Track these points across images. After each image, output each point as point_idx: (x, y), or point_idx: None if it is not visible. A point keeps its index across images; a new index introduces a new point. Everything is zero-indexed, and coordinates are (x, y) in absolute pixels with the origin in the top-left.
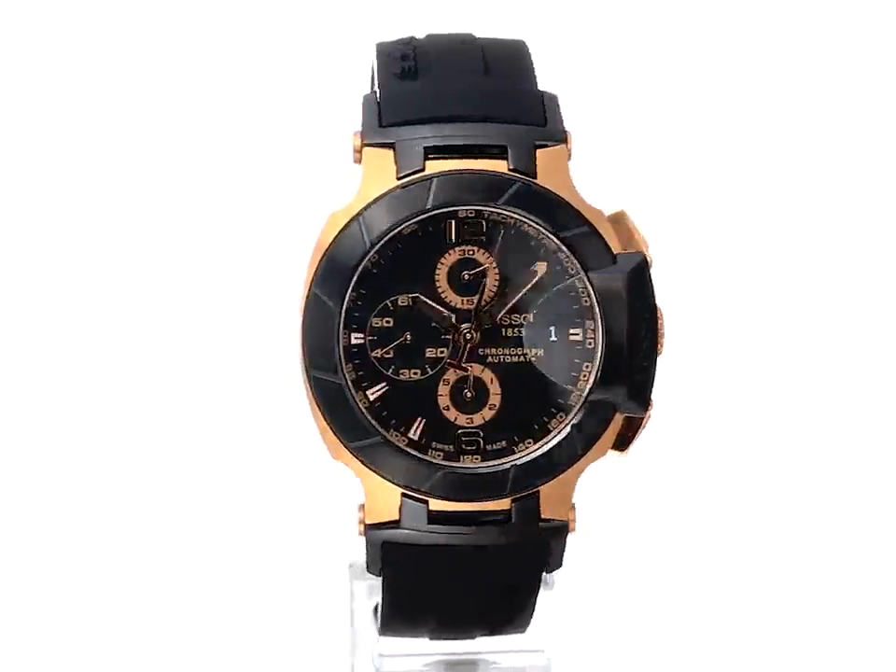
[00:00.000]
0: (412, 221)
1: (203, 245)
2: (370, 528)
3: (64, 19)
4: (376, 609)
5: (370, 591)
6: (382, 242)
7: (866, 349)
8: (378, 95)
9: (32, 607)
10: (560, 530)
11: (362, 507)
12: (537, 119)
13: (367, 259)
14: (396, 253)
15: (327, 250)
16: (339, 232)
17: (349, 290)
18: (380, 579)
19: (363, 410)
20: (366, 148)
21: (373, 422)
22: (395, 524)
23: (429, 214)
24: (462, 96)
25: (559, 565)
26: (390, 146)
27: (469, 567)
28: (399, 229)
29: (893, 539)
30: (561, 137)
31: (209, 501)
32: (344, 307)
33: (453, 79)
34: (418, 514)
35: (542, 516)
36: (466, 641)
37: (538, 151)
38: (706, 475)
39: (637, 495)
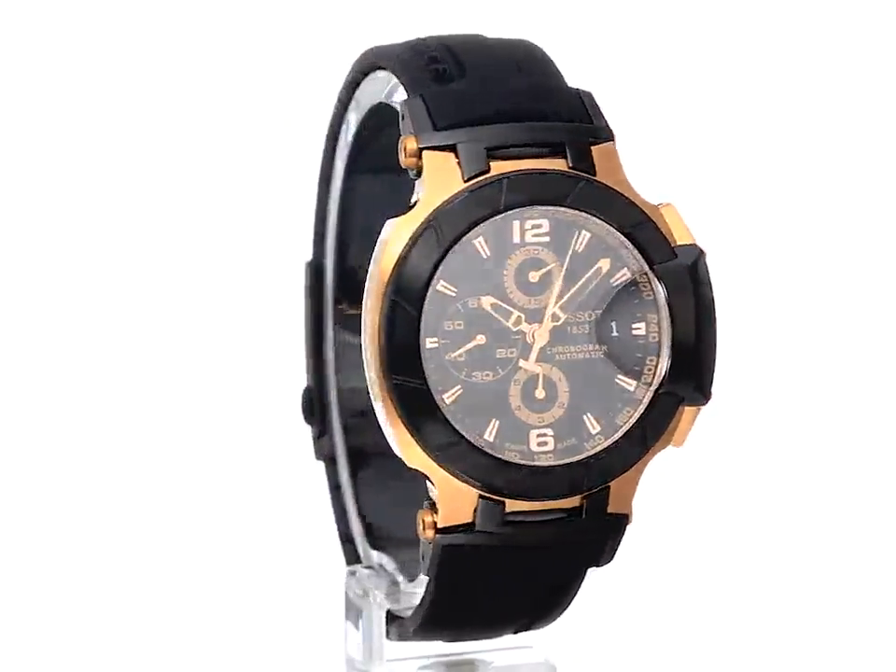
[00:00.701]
0: (485, 223)
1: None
2: (440, 532)
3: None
4: (388, 615)
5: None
6: (457, 244)
7: None
8: (424, 98)
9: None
10: (623, 524)
11: (430, 511)
12: (582, 117)
13: (443, 262)
14: (469, 256)
15: (402, 256)
16: (412, 238)
17: (427, 295)
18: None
19: (444, 413)
20: (425, 152)
21: (455, 425)
22: (468, 526)
23: (501, 215)
24: (511, 96)
25: (611, 559)
26: (451, 148)
27: (531, 565)
28: (473, 231)
29: None
30: (610, 134)
31: (209, 505)
32: (424, 312)
33: (494, 79)
34: (494, 515)
35: (608, 511)
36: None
37: (591, 148)
38: (706, 475)
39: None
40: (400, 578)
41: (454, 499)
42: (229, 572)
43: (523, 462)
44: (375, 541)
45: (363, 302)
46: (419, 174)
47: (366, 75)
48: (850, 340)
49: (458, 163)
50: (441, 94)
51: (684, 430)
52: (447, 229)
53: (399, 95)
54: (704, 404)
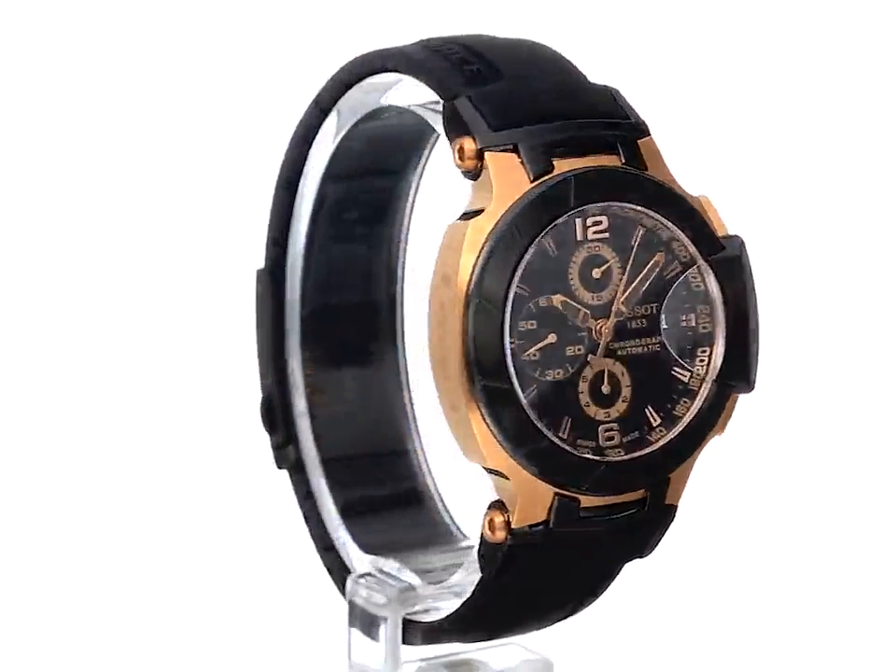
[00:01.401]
0: (557, 222)
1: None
2: (514, 532)
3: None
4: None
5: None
6: (533, 244)
7: None
8: (472, 100)
9: None
10: (674, 515)
11: (499, 511)
12: (619, 113)
13: (522, 262)
14: (540, 255)
15: (484, 259)
16: (490, 240)
17: (508, 296)
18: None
19: (527, 413)
20: (487, 153)
21: (538, 424)
22: (543, 524)
23: (569, 213)
24: (553, 94)
25: (654, 549)
26: (513, 148)
27: (590, 558)
28: (547, 230)
29: None
30: (647, 129)
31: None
32: (505, 314)
33: (530, 79)
34: (570, 513)
35: (665, 502)
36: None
37: (638, 143)
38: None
39: None
40: (418, 581)
41: (531, 499)
42: (211, 584)
43: (596, 458)
44: (370, 547)
45: (433, 312)
46: (476, 175)
47: (359, 80)
48: (851, 337)
49: (522, 163)
50: (490, 95)
51: (727, 418)
52: (523, 229)
53: (419, 98)
54: (749, 392)
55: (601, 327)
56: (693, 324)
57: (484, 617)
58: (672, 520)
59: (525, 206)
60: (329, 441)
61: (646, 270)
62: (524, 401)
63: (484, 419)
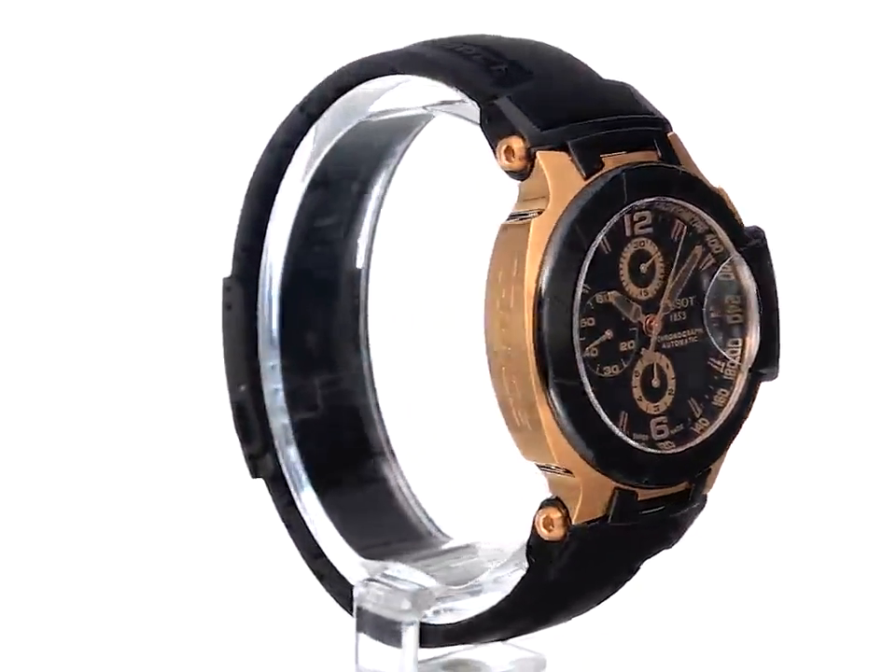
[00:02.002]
0: (613, 220)
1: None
2: (574, 528)
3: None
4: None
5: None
6: (594, 243)
7: None
8: (512, 100)
9: None
10: (704, 505)
11: (556, 508)
12: (644, 109)
13: (585, 261)
14: (597, 253)
15: (554, 258)
16: (554, 239)
17: (577, 294)
18: None
19: (596, 410)
20: (539, 152)
21: (605, 421)
22: (600, 519)
23: (622, 211)
24: (586, 93)
25: (679, 539)
26: (563, 147)
27: (634, 549)
28: (604, 228)
29: None
30: (670, 124)
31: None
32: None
33: (557, 78)
34: (629, 506)
35: (703, 492)
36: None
37: (667, 137)
38: None
39: None
40: (433, 583)
41: (594, 494)
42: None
43: (652, 451)
44: (371, 552)
45: (491, 312)
46: (524, 175)
47: (357, 84)
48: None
49: (573, 161)
50: (528, 95)
51: (753, 406)
52: (585, 228)
53: (422, 100)
54: (774, 380)
55: (651, 321)
56: (725, 314)
57: (521, 613)
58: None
59: (585, 205)
60: (310, 447)
61: (687, 263)
62: (592, 398)
63: (556, 416)
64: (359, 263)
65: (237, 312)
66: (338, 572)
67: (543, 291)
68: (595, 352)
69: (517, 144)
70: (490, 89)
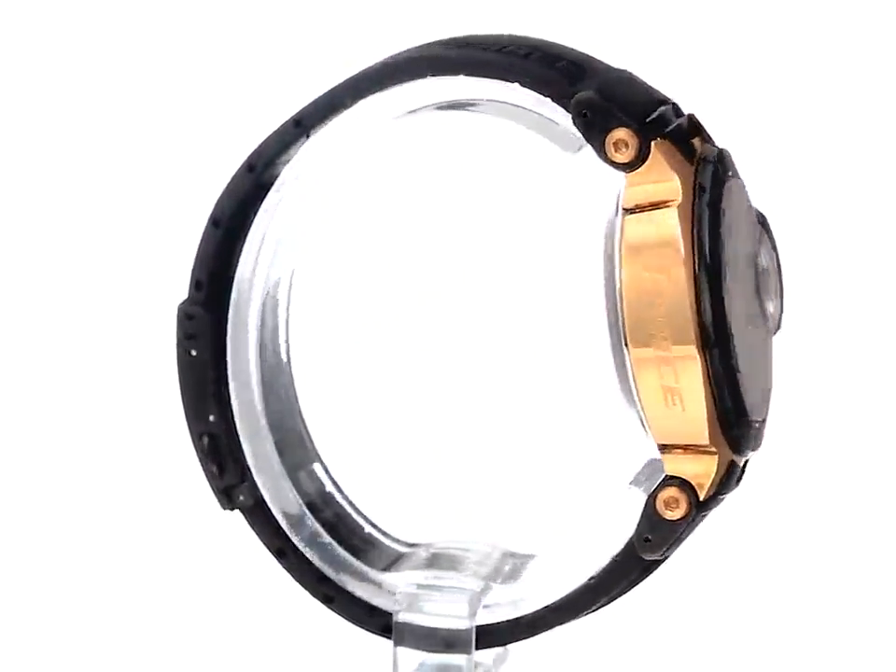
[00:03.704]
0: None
1: None
2: (700, 505)
3: None
4: None
5: None
6: (724, 219)
7: None
8: (600, 95)
9: None
10: None
11: (678, 489)
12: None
13: (722, 238)
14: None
15: (704, 239)
16: (698, 220)
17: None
18: None
19: (742, 386)
20: (654, 142)
21: (746, 396)
22: (714, 497)
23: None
24: (638, 84)
25: None
26: (667, 135)
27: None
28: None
29: None
30: None
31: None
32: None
33: (605, 72)
34: (732, 478)
35: None
36: None
37: None
38: None
39: None
40: (481, 585)
41: (720, 469)
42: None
43: (757, 424)
44: (400, 565)
45: (643, 300)
46: (632, 167)
47: (377, 90)
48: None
49: (676, 147)
50: (607, 88)
51: None
52: (716, 208)
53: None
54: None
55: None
56: (772, 310)
57: (592, 601)
58: None
59: (709, 187)
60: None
61: (763, 226)
62: (741, 375)
63: (713, 393)
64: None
65: (206, 339)
66: (345, 592)
67: (704, 271)
68: (736, 329)
69: (628, 136)
70: (570, 86)
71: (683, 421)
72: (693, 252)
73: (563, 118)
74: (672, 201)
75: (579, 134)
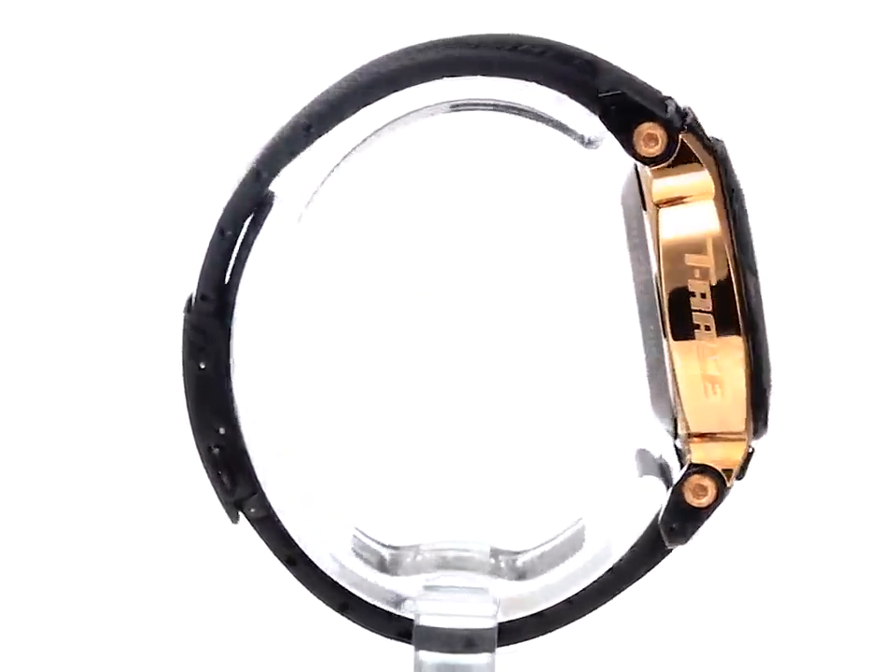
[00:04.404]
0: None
1: None
2: (724, 491)
3: None
4: None
5: None
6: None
7: None
8: (629, 94)
9: None
10: None
11: (708, 475)
12: None
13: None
14: None
15: (736, 227)
16: (731, 209)
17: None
18: None
19: (770, 371)
20: (682, 136)
21: (767, 381)
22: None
23: None
24: (638, 78)
25: None
26: (684, 128)
27: None
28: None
29: None
30: None
31: None
32: None
33: (613, 68)
34: (748, 463)
35: None
36: None
37: None
38: None
39: None
40: (498, 583)
41: (746, 456)
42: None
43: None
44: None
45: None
46: (660, 160)
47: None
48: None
49: (697, 139)
50: (625, 83)
51: None
52: (739, 196)
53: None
54: None
55: None
56: None
57: (611, 593)
58: None
59: (732, 175)
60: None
61: None
62: (766, 360)
63: (753, 380)
64: None
65: (213, 348)
66: (357, 598)
67: (745, 258)
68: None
69: (658, 130)
70: (592, 83)
71: (722, 409)
72: (733, 241)
73: (576, 115)
74: (706, 192)
75: (591, 131)
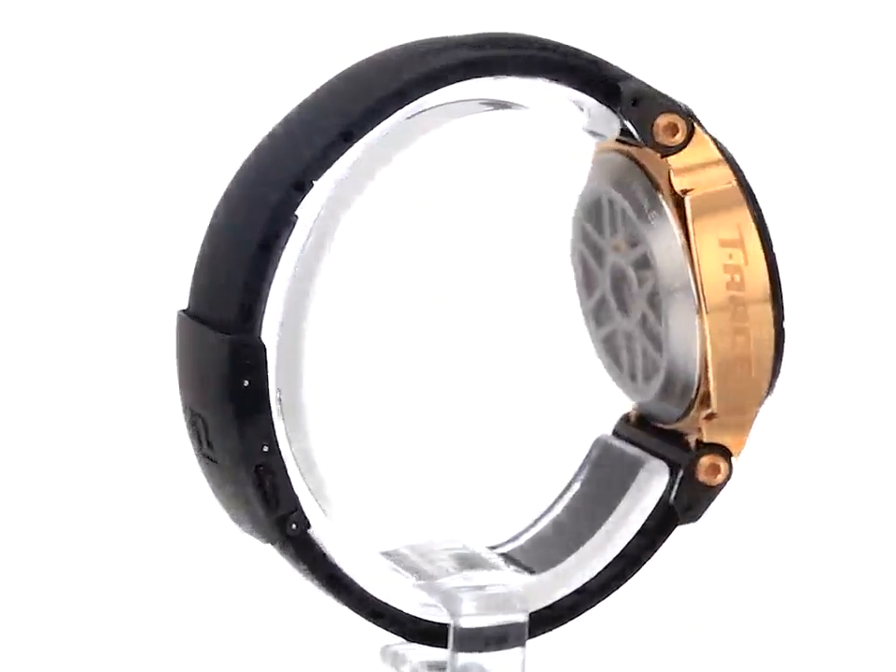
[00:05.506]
0: None
1: None
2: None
3: None
4: None
5: None
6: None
7: None
8: (637, 83)
9: None
10: None
11: (716, 457)
12: None
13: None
14: None
15: (757, 215)
16: (748, 197)
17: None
18: None
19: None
20: (696, 130)
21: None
22: None
23: None
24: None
25: None
26: (694, 118)
27: None
28: None
29: None
30: None
31: None
32: None
33: (609, 64)
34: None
35: None
36: None
37: None
38: None
39: None
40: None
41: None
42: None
43: None
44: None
45: (719, 280)
46: (677, 150)
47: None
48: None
49: (703, 130)
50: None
51: None
52: (745, 177)
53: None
54: None
55: None
56: None
57: (624, 576)
58: None
59: (736, 164)
60: None
61: None
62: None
63: (775, 354)
64: None
65: (248, 374)
66: (396, 607)
67: (767, 234)
68: None
69: (678, 120)
70: (607, 76)
71: (746, 386)
72: (757, 221)
73: (585, 109)
74: (728, 179)
75: (600, 126)
